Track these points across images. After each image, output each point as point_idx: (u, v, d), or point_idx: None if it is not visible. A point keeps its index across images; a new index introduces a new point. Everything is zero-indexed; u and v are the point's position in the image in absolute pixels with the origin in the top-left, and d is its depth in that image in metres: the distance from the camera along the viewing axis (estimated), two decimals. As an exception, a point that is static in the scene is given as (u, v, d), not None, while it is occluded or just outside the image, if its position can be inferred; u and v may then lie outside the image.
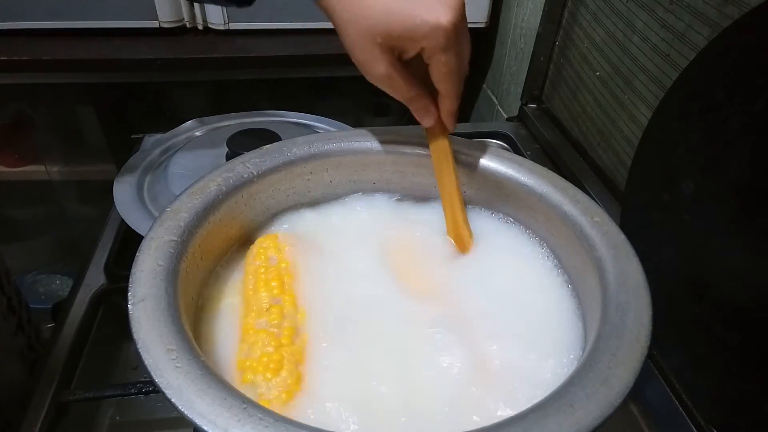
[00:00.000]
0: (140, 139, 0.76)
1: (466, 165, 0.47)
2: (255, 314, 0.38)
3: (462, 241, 0.45)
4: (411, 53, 0.40)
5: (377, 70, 0.41)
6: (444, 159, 0.45)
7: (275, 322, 0.37)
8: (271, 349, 0.35)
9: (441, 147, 0.45)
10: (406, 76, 0.41)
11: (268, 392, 0.33)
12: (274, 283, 0.40)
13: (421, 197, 0.50)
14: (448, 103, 0.43)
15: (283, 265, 0.41)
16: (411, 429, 0.33)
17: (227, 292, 0.41)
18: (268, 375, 0.34)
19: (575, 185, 0.43)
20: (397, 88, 0.42)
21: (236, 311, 0.40)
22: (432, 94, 0.43)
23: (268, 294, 0.39)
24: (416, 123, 0.45)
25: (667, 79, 0.55)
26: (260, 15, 0.94)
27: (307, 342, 0.37)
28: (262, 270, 0.41)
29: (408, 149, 0.48)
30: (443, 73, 0.41)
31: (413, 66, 0.42)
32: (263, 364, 0.34)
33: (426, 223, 0.48)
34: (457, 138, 0.47)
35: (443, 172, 0.46)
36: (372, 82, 0.42)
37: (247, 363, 0.35)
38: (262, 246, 0.43)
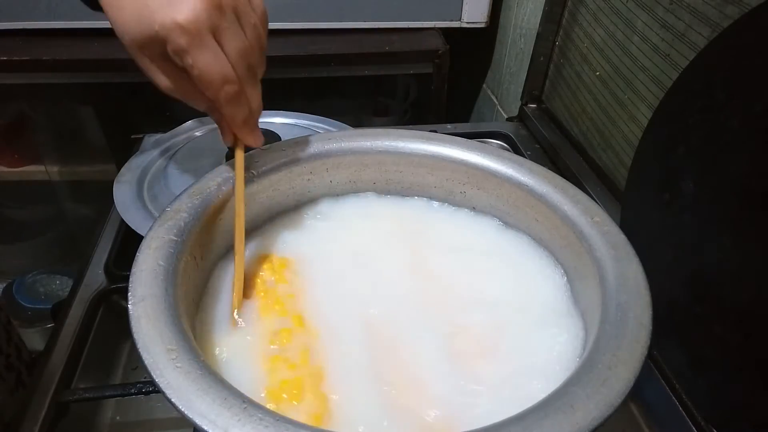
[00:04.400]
0: (140, 139, 0.76)
1: (466, 165, 0.47)
2: (266, 341, 0.37)
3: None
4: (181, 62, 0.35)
5: (158, 81, 0.37)
6: (237, 196, 0.40)
7: (286, 344, 0.37)
8: (289, 374, 0.35)
9: (238, 176, 0.40)
10: (193, 86, 0.37)
11: (297, 417, 0.32)
12: (276, 307, 0.39)
13: (422, 197, 0.50)
14: (225, 114, 0.38)
15: (281, 285, 0.41)
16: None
17: (228, 292, 0.41)
18: (294, 402, 0.33)
19: (575, 185, 0.43)
20: (190, 99, 0.38)
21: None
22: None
23: (273, 318, 0.39)
24: (416, 123, 0.45)
25: (667, 79, 0.55)
26: (260, 15, 0.94)
27: (323, 359, 0.36)
28: (262, 295, 0.40)
29: (408, 149, 0.48)
30: (198, 79, 0.35)
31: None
32: (285, 390, 0.34)
33: (426, 224, 0.48)
34: (456, 138, 0.47)
35: (235, 211, 0.40)
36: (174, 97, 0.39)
37: (269, 391, 0.34)
38: (254, 271, 0.42)
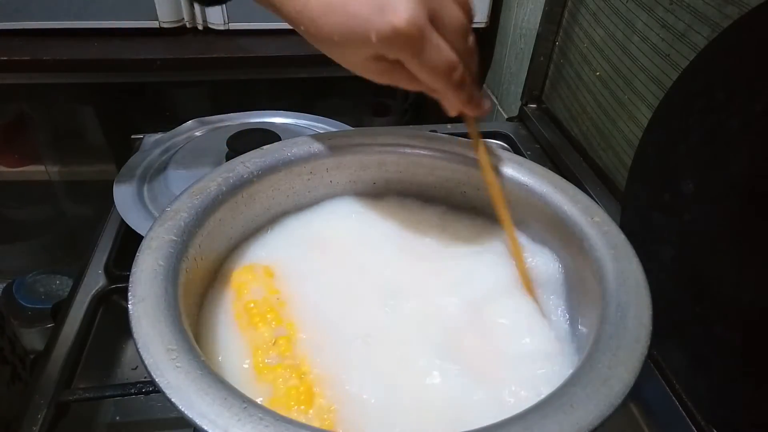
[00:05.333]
0: (140, 139, 0.76)
1: (466, 165, 0.47)
2: (262, 352, 0.36)
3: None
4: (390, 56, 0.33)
5: (369, 77, 0.35)
6: (479, 150, 0.42)
7: (288, 353, 0.36)
8: (295, 381, 0.34)
9: (474, 138, 0.43)
10: (410, 75, 0.35)
11: (309, 423, 0.32)
12: (269, 316, 0.39)
13: (422, 197, 0.50)
14: (450, 97, 0.37)
15: (272, 294, 0.40)
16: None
17: (228, 292, 0.41)
18: (303, 407, 0.33)
19: (575, 185, 0.43)
20: (406, 86, 0.36)
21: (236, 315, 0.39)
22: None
23: (267, 328, 0.38)
24: (416, 123, 0.45)
25: (667, 79, 0.55)
26: (260, 15, 0.94)
27: (323, 366, 0.36)
28: (252, 305, 0.39)
29: (408, 149, 0.48)
30: (426, 74, 0.34)
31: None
32: (294, 398, 0.33)
33: (425, 224, 0.48)
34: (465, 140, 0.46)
35: (485, 168, 0.42)
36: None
37: (274, 401, 0.33)
38: (238, 282, 0.41)
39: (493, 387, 0.35)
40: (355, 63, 0.35)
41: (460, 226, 0.48)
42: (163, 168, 0.67)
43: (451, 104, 0.38)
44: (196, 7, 0.95)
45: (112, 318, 0.54)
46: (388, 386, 0.35)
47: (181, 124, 0.77)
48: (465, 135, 0.46)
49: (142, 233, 0.38)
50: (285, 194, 0.47)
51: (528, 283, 0.42)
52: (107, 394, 0.46)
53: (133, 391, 0.43)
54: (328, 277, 0.42)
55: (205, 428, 0.26)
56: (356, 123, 0.74)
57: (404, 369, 0.36)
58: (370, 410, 0.34)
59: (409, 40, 0.31)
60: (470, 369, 0.36)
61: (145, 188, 0.64)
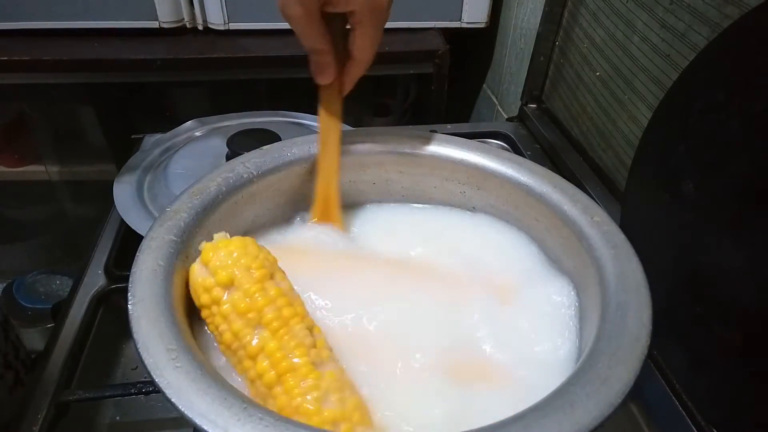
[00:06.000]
0: (140, 139, 0.76)
1: (466, 165, 0.47)
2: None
3: (329, 218, 0.44)
4: (336, 8, 0.39)
5: (295, 10, 0.39)
6: (334, 125, 0.44)
7: (317, 359, 0.32)
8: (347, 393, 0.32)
9: (334, 110, 0.44)
10: (322, 25, 0.40)
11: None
12: (285, 311, 0.33)
13: (422, 198, 0.50)
14: (358, 70, 0.43)
15: (275, 276, 0.35)
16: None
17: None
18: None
19: (575, 185, 0.43)
20: (311, 34, 0.40)
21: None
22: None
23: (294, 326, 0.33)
24: (416, 123, 0.45)
25: (667, 79, 0.55)
26: (260, 15, 0.94)
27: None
28: (256, 293, 0.33)
29: (408, 149, 0.48)
30: (369, 39, 0.41)
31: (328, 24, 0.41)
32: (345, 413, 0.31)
33: (424, 223, 0.48)
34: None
35: (329, 139, 0.44)
36: (286, 19, 0.40)
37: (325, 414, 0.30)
38: (218, 261, 0.34)
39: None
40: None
41: (459, 225, 0.48)
42: (163, 168, 0.67)
43: (355, 73, 0.44)
44: (196, 7, 0.95)
45: (112, 318, 0.54)
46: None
47: (181, 124, 0.77)
48: (465, 135, 0.46)
49: (142, 233, 0.38)
50: (285, 194, 0.47)
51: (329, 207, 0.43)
52: (107, 394, 0.46)
53: (133, 391, 0.43)
54: (328, 275, 0.42)
55: (205, 428, 0.26)
56: (356, 123, 0.74)
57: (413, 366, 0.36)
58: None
59: (382, 6, 0.39)
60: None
61: (145, 188, 0.64)
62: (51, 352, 0.48)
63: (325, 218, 0.44)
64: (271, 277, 0.35)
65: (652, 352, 0.36)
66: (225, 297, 0.33)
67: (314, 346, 0.33)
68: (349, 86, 0.44)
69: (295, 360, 0.31)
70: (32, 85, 0.96)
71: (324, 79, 0.43)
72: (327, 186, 0.44)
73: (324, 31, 0.40)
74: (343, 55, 0.42)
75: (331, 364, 0.33)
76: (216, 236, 0.36)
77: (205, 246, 0.35)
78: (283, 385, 0.31)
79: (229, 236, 0.36)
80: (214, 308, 0.33)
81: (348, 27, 0.41)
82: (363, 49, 0.41)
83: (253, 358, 0.32)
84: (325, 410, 0.30)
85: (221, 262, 0.34)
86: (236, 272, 0.33)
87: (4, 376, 0.48)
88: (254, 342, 0.32)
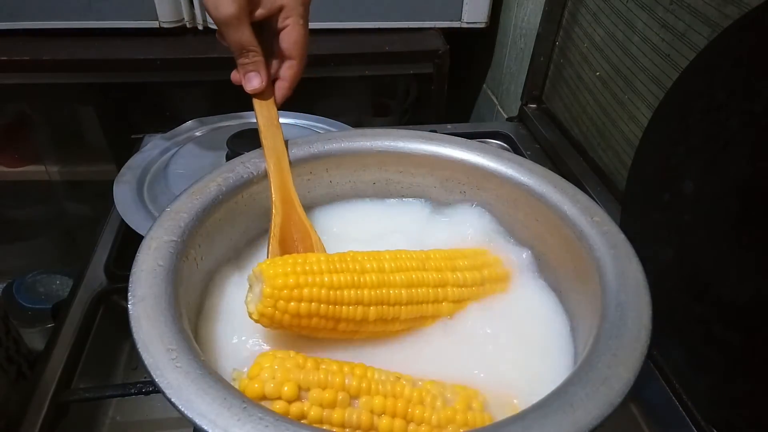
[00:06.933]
0: (140, 139, 0.76)
1: (466, 165, 0.47)
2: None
3: (288, 204, 0.43)
4: (265, 11, 0.41)
5: (228, 8, 0.40)
6: (273, 125, 0.45)
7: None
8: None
9: (270, 113, 0.45)
10: (251, 28, 0.41)
11: None
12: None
13: (421, 198, 0.50)
14: (295, 70, 0.44)
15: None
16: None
17: (229, 293, 0.41)
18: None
19: (575, 185, 0.43)
20: (241, 37, 0.41)
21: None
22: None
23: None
24: (416, 123, 0.45)
25: (667, 79, 0.55)
26: (260, 15, 0.94)
27: None
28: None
29: (408, 149, 0.48)
30: (300, 36, 0.42)
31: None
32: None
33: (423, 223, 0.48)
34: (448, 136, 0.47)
35: (271, 133, 0.44)
36: (217, 23, 0.42)
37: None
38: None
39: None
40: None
41: (458, 225, 0.48)
42: (163, 168, 0.67)
43: (294, 74, 0.45)
44: (196, 6, 0.95)
45: (112, 318, 0.54)
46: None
47: (181, 124, 0.77)
48: (465, 135, 0.46)
49: (142, 233, 0.38)
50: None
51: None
52: (107, 394, 0.46)
53: (133, 391, 0.43)
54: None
55: (205, 428, 0.26)
56: (356, 123, 0.74)
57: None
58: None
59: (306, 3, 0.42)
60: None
61: (145, 188, 0.64)
62: (51, 352, 0.48)
63: (286, 202, 0.43)
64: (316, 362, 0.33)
65: (652, 352, 0.36)
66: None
67: (398, 378, 0.33)
68: (288, 91, 0.44)
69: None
70: (32, 85, 0.96)
71: (256, 82, 0.43)
72: (281, 172, 0.44)
73: (253, 31, 0.41)
74: (269, 61, 0.43)
75: (408, 377, 0.34)
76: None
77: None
78: (413, 420, 0.32)
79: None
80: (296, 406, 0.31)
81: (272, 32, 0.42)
82: (296, 43, 0.42)
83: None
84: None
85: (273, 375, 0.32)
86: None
87: (7, 370, 0.48)
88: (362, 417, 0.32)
